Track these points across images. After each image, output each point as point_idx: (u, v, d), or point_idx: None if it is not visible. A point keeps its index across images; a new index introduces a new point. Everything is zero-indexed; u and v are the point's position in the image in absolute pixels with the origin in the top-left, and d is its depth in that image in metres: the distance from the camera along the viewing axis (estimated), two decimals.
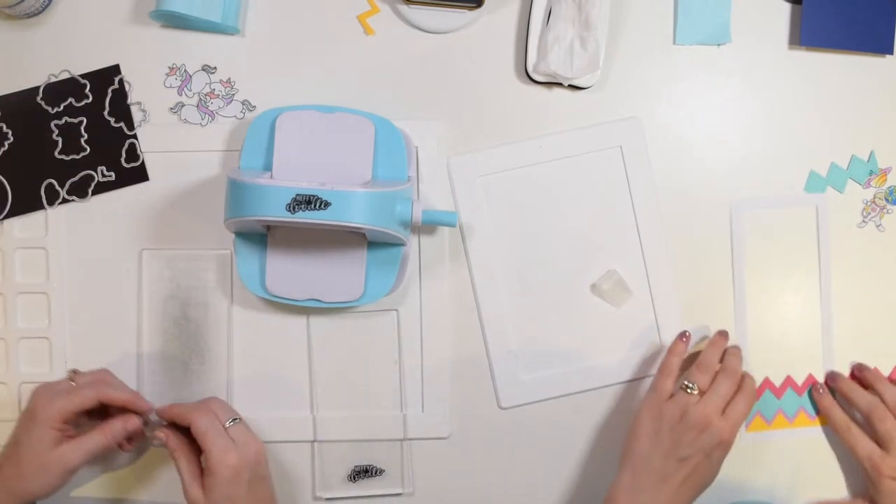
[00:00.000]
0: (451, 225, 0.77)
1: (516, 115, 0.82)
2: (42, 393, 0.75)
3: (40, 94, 0.81)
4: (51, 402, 0.74)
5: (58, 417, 0.73)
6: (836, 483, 0.83)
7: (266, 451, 0.76)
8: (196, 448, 0.74)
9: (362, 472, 0.82)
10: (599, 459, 0.83)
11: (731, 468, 0.78)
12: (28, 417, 0.74)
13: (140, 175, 0.82)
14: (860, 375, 0.82)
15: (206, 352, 0.82)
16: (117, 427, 0.75)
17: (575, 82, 0.80)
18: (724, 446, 0.75)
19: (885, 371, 0.83)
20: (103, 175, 0.82)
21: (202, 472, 0.73)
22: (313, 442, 0.82)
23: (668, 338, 0.82)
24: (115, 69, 0.82)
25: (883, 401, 0.79)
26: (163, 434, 0.75)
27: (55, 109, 0.81)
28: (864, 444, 0.78)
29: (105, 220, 0.82)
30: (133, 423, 0.76)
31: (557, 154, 0.82)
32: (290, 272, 0.77)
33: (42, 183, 0.81)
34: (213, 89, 0.82)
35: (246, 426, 0.76)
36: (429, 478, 0.82)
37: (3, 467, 0.74)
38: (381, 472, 0.82)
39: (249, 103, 0.82)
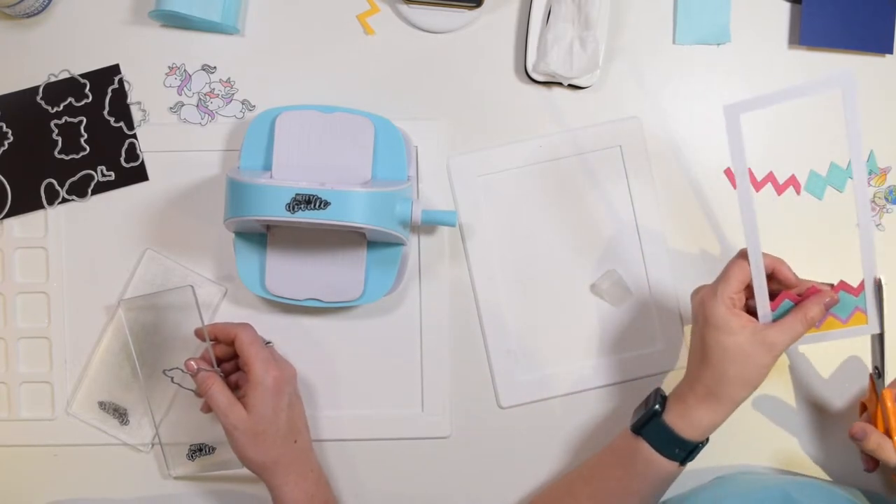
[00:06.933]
0: (451, 224, 0.77)
1: (516, 114, 0.82)
2: None
3: (40, 94, 0.81)
4: None
5: None
6: None
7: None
8: (222, 381, 0.74)
9: None
10: None
11: None
12: None
13: (140, 175, 0.82)
14: None
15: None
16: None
17: (575, 82, 0.80)
18: (695, 311, 0.70)
19: None
20: (103, 175, 0.82)
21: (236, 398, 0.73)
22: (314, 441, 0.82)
23: (668, 338, 0.82)
24: (114, 69, 0.82)
25: None
26: (194, 363, 0.74)
27: (55, 109, 0.81)
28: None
29: (105, 219, 0.82)
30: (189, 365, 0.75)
31: (557, 154, 0.82)
32: (289, 272, 0.77)
33: (42, 182, 0.81)
34: (213, 89, 0.82)
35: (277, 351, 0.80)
36: (429, 478, 0.83)
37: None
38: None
39: (249, 103, 0.82)
